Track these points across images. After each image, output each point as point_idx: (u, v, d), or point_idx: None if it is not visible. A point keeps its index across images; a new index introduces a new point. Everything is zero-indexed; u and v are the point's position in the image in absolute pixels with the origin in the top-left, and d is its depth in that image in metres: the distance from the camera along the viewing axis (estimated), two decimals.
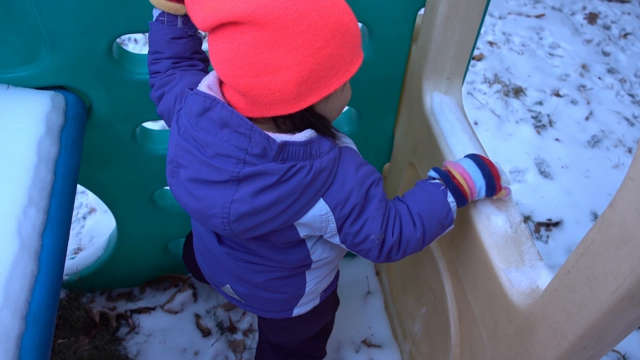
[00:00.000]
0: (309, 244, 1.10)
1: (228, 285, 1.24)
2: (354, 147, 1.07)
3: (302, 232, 1.02)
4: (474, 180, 1.06)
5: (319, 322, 1.46)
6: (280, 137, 0.90)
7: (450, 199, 1.05)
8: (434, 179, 1.09)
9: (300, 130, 0.93)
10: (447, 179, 1.06)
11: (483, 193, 1.08)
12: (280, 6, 0.80)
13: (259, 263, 1.14)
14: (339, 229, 1.00)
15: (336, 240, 1.03)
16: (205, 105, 0.91)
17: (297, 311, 1.28)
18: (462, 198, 1.06)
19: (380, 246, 1.02)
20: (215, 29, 0.85)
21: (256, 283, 1.18)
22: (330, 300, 1.40)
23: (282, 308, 1.26)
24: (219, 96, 0.94)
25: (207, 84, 0.95)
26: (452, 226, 1.08)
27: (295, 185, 0.92)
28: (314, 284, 1.22)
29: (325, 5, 0.84)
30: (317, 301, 1.30)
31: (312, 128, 0.94)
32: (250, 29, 0.81)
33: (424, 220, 1.03)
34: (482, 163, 1.07)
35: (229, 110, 0.89)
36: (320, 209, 0.96)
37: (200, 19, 0.84)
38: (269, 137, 0.89)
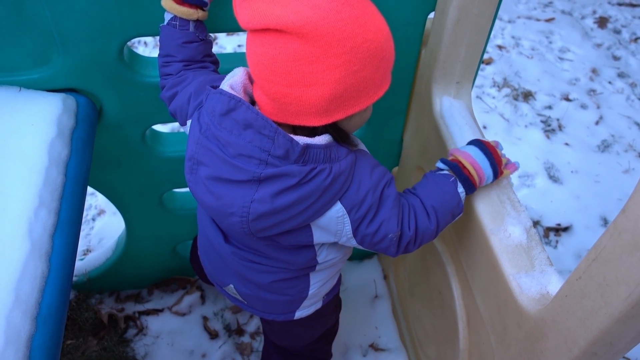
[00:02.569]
0: (317, 246, 1.10)
1: (231, 286, 1.24)
2: (364, 147, 1.09)
3: (317, 237, 1.03)
4: (483, 169, 1.10)
5: (321, 325, 1.46)
6: (302, 140, 0.91)
7: (460, 189, 1.08)
8: (442, 169, 1.12)
9: (318, 134, 0.94)
10: (458, 170, 1.09)
11: (490, 180, 1.12)
12: (329, 24, 0.81)
13: (264, 264, 1.14)
14: (355, 231, 1.02)
15: (353, 242, 1.05)
16: (230, 105, 0.91)
17: (299, 314, 1.28)
18: (471, 187, 1.10)
19: (397, 242, 1.05)
20: (258, 30, 0.85)
21: (261, 284, 1.18)
22: (332, 304, 1.41)
23: (285, 310, 1.26)
24: (240, 96, 0.95)
25: (229, 84, 0.96)
26: (462, 213, 1.12)
27: (315, 187, 0.93)
28: (318, 287, 1.22)
29: (371, 30, 0.85)
30: (319, 305, 1.31)
31: (331, 137, 0.95)
32: (295, 40, 0.81)
33: (437, 212, 1.07)
34: (488, 151, 1.12)
35: (254, 112, 0.90)
36: (337, 211, 0.98)
37: (247, 19, 0.84)
38: (292, 139, 0.90)
